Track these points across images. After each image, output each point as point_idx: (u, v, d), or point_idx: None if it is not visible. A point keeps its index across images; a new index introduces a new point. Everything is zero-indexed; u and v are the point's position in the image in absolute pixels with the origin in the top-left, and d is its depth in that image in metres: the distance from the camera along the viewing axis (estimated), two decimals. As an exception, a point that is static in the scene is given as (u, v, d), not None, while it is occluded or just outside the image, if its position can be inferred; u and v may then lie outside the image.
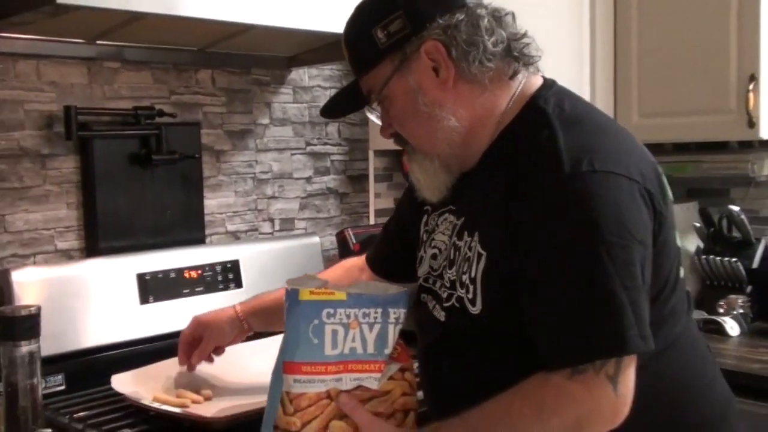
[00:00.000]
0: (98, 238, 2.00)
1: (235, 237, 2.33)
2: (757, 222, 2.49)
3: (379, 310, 1.19)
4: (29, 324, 1.40)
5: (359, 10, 1.27)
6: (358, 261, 1.67)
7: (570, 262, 1.09)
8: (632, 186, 1.12)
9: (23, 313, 1.40)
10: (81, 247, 2.02)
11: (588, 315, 1.07)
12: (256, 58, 2.32)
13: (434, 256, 1.33)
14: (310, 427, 1.16)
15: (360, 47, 1.26)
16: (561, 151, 1.12)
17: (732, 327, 2.20)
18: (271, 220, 2.42)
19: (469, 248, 1.22)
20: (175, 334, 1.95)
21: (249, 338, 1.78)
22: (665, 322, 1.20)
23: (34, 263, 1.93)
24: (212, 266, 2.12)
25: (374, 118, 1.33)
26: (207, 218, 2.25)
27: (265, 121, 2.39)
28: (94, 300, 1.89)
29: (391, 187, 2.64)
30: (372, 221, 2.62)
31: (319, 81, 2.51)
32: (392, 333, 1.20)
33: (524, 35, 1.26)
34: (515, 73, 1.24)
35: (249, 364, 1.71)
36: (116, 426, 1.57)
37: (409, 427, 1.22)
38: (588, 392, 1.07)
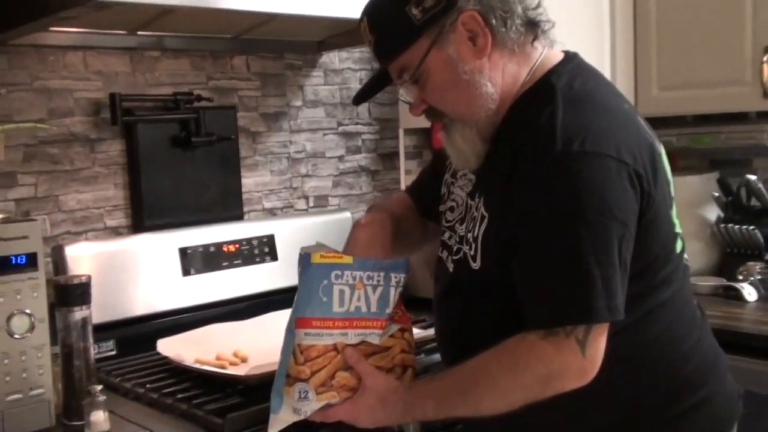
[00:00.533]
0: (143, 216, 2.08)
1: (272, 214, 2.39)
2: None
3: (382, 274, 1.30)
4: (81, 291, 1.52)
5: None
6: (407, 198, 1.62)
7: (551, 237, 1.17)
8: (620, 167, 1.16)
9: (75, 281, 1.53)
10: (128, 224, 2.09)
11: (562, 286, 1.16)
12: (288, 44, 2.36)
13: (452, 209, 1.40)
14: (318, 376, 1.27)
15: (393, 28, 1.25)
16: (557, 129, 1.17)
17: (750, 293, 2.23)
18: (306, 198, 2.48)
19: (476, 209, 1.29)
20: (215, 304, 2.08)
21: (281, 308, 1.87)
22: (656, 288, 1.27)
23: (86, 239, 2.00)
24: (249, 241, 2.18)
25: (407, 97, 1.34)
26: (245, 196, 2.30)
27: (298, 103, 2.44)
28: (140, 272, 1.98)
29: (420, 164, 2.64)
30: (402, 197, 2.67)
31: (349, 63, 2.55)
32: (393, 295, 1.31)
33: (539, 5, 1.30)
34: (535, 39, 1.28)
35: (282, 332, 1.82)
36: (162, 385, 1.67)
37: (406, 381, 1.33)
38: (557, 352, 1.15)
